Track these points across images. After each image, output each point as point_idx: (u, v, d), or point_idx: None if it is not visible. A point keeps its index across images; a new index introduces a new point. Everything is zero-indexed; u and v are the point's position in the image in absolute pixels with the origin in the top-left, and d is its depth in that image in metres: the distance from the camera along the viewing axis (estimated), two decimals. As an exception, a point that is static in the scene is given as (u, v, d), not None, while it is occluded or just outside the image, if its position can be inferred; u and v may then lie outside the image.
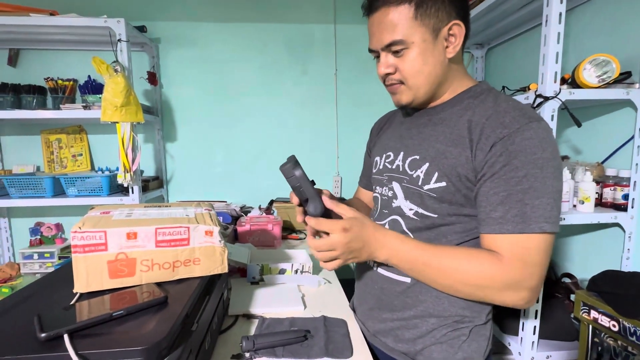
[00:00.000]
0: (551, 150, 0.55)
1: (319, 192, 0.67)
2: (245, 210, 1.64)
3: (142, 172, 1.75)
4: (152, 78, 1.62)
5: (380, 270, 0.72)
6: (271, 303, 0.89)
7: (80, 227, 0.59)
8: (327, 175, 1.83)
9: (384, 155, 0.77)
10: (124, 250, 0.61)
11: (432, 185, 0.63)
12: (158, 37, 1.68)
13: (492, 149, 0.56)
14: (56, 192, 1.44)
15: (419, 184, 0.66)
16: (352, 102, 1.81)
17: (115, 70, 1.23)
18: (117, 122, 1.27)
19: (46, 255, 1.56)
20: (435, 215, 0.64)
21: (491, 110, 0.60)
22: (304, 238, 1.57)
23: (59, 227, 1.71)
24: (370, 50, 0.67)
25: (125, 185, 1.33)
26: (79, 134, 1.66)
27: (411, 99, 0.67)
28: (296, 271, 1.04)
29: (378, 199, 0.78)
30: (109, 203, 1.40)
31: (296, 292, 0.95)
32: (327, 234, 0.61)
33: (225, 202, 1.65)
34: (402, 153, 0.72)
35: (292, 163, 0.63)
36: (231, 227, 1.44)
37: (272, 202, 1.74)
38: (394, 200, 0.71)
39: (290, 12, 1.73)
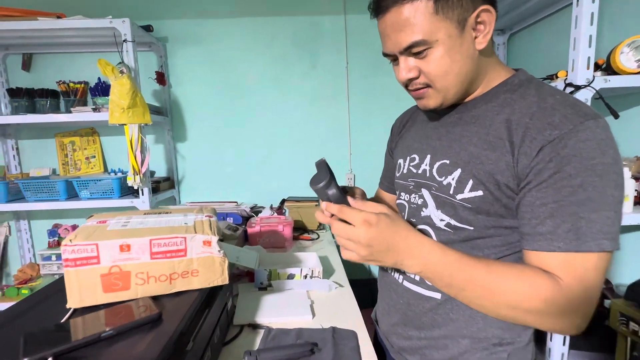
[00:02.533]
0: (612, 154, 0.47)
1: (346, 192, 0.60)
2: (256, 210, 1.61)
3: (153, 173, 1.75)
4: (161, 78, 1.60)
5: (406, 283, 0.65)
6: (278, 312, 0.85)
7: (71, 240, 0.56)
8: (339, 173, 1.78)
9: (408, 158, 0.69)
10: (117, 263, 0.58)
11: (467, 194, 0.56)
12: (165, 36, 1.66)
13: (540, 154, 0.48)
14: (70, 195, 1.45)
15: (451, 192, 0.58)
16: (364, 96, 1.74)
17: (121, 72, 1.22)
18: (125, 124, 1.25)
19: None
20: (471, 228, 0.56)
21: (535, 106, 0.52)
22: (317, 239, 1.52)
23: (75, 228, 1.73)
24: (386, 55, 0.60)
25: (135, 187, 1.32)
26: (92, 136, 1.68)
27: (440, 102, 0.59)
28: (305, 276, 1.00)
29: (405, 207, 0.70)
30: (120, 205, 1.40)
31: (305, 299, 0.90)
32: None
33: (236, 202, 1.62)
34: (428, 156, 0.64)
35: (326, 182, 0.54)
36: (241, 228, 1.41)
37: (283, 201, 1.70)
38: (424, 209, 0.63)
39: (298, 3, 1.67)
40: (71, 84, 1.59)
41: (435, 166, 0.62)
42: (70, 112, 1.42)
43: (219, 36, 1.68)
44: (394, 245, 0.51)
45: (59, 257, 1.59)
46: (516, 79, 0.58)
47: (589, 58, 0.84)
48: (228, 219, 1.51)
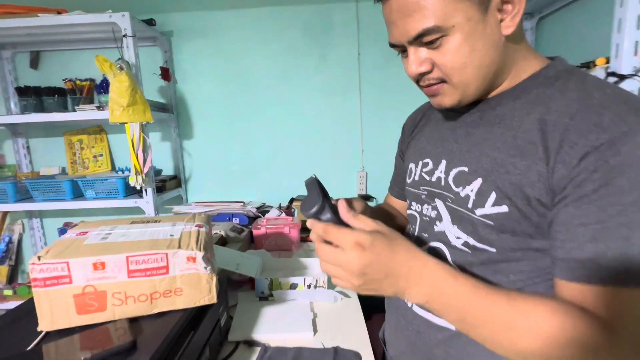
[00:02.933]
0: None
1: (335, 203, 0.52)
2: (263, 210, 1.55)
3: (160, 171, 1.72)
4: (165, 74, 1.55)
5: (416, 308, 0.57)
6: (277, 327, 0.78)
7: (39, 258, 0.51)
8: (351, 170, 1.69)
9: (421, 163, 0.60)
10: (91, 282, 0.53)
11: (488, 209, 0.46)
12: (170, 30, 1.61)
13: (583, 162, 0.39)
14: (76, 195, 1.43)
15: (469, 206, 0.49)
16: (377, 88, 1.63)
17: (121, 68, 1.17)
18: (126, 123, 1.21)
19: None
20: (493, 250, 0.47)
21: (577, 104, 0.42)
22: (326, 240, 1.45)
23: (85, 227, 1.73)
24: (393, 45, 0.51)
25: (138, 187, 1.28)
26: (99, 135, 1.66)
27: (457, 100, 0.50)
28: (309, 286, 0.93)
29: (416, 219, 0.61)
30: (124, 205, 1.38)
31: (307, 312, 0.84)
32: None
33: (243, 202, 1.57)
34: (444, 162, 0.55)
35: (318, 207, 0.46)
36: (247, 229, 1.36)
37: (292, 200, 1.64)
38: (437, 223, 0.55)
39: (307, -9, 1.58)
40: (77, 82, 1.57)
41: (452, 174, 0.53)
42: (74, 110, 1.40)
43: (225, 29, 1.61)
44: (392, 272, 0.43)
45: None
46: (552, 70, 0.48)
47: (637, 42, 0.72)
48: (234, 219, 1.46)
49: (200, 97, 1.67)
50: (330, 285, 0.97)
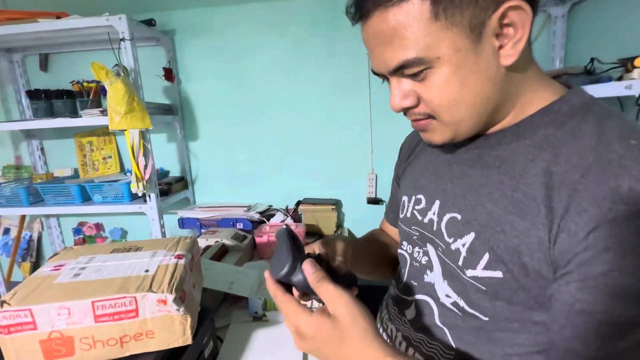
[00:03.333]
0: None
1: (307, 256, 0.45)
2: (268, 215, 1.52)
3: (167, 172, 1.72)
4: (169, 74, 1.52)
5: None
6: (265, 356, 0.75)
7: (2, 304, 0.49)
8: (360, 173, 1.62)
9: (414, 199, 0.53)
10: (57, 328, 0.51)
11: (480, 272, 0.40)
12: (173, 29, 1.56)
13: (592, 236, 0.31)
14: (85, 198, 1.45)
15: (459, 264, 0.42)
16: (387, 85, 1.53)
17: (118, 75, 1.14)
18: (125, 130, 1.20)
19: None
20: (486, 318, 0.41)
21: (591, 155, 0.34)
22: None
23: (98, 226, 1.78)
24: (375, 73, 0.44)
25: (140, 194, 1.28)
26: (108, 136, 1.66)
27: (449, 138, 0.43)
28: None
29: (406, 261, 0.54)
30: (130, 211, 1.38)
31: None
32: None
33: (248, 206, 1.54)
34: (437, 202, 0.48)
35: (288, 268, 0.40)
36: (249, 237, 1.33)
37: (299, 203, 1.60)
38: (428, 273, 0.48)
39: (313, -18, 1.48)
40: (85, 84, 1.56)
41: (445, 219, 0.46)
42: (80, 115, 1.40)
43: (228, 25, 1.55)
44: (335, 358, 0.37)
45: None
46: (565, 105, 0.39)
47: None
48: (237, 224, 1.44)
49: (205, 97, 1.63)
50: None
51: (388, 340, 0.53)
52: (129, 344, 0.54)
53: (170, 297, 0.54)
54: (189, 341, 0.57)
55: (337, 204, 1.58)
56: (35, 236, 1.81)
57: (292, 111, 1.61)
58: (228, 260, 1.17)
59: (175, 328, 0.56)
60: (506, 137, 0.42)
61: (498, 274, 0.38)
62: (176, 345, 0.56)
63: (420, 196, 0.52)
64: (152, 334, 0.55)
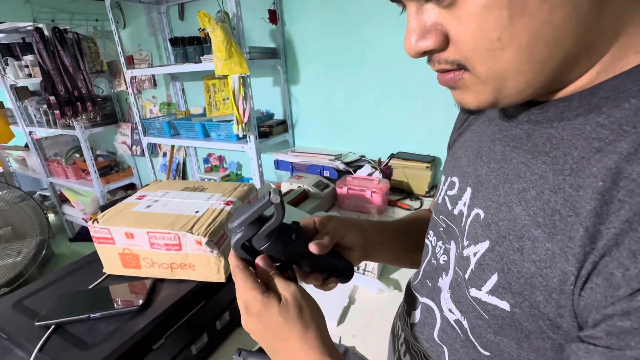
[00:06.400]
0: None
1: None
2: (356, 166, 1.48)
3: (272, 115, 1.83)
4: (273, 17, 1.53)
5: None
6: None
7: (93, 221, 0.64)
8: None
9: (448, 181, 0.41)
10: (127, 246, 0.64)
11: (484, 295, 0.29)
12: (279, -33, 1.53)
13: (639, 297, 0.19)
14: (205, 135, 1.71)
15: (466, 276, 0.32)
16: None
17: (221, 21, 1.21)
18: (227, 75, 1.30)
19: (212, 180, 1.98)
20: (486, 353, 0.31)
21: None
22: (418, 208, 1.30)
23: (221, 159, 2.10)
24: None
25: (240, 135, 1.42)
26: (225, 79, 1.85)
27: (488, 101, 0.28)
28: (357, 268, 0.87)
29: (427, 253, 0.44)
30: (236, 149, 1.56)
31: (342, 298, 0.80)
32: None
33: (339, 154, 1.53)
34: (469, 190, 0.36)
35: (239, 236, 0.37)
36: (331, 186, 1.34)
37: (391, 156, 1.49)
38: (443, 275, 0.39)
39: None
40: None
41: (472, 215, 0.34)
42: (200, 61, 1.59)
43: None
44: (273, 348, 0.36)
45: (214, 180, 1.99)
46: None
47: None
48: (325, 172, 1.46)
49: (308, 40, 1.60)
50: (385, 273, 0.89)
51: (393, 337, 0.48)
52: (177, 270, 0.64)
53: (204, 240, 0.60)
54: (223, 279, 0.64)
55: (433, 162, 1.41)
56: (181, 161, 2.29)
57: (393, 58, 1.42)
58: (305, 207, 1.22)
59: (210, 266, 0.63)
60: (572, 109, 0.26)
61: (504, 304, 0.27)
62: (212, 280, 0.64)
63: (454, 179, 0.39)
64: (193, 267, 0.63)
